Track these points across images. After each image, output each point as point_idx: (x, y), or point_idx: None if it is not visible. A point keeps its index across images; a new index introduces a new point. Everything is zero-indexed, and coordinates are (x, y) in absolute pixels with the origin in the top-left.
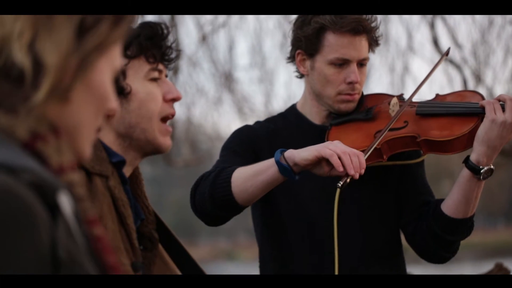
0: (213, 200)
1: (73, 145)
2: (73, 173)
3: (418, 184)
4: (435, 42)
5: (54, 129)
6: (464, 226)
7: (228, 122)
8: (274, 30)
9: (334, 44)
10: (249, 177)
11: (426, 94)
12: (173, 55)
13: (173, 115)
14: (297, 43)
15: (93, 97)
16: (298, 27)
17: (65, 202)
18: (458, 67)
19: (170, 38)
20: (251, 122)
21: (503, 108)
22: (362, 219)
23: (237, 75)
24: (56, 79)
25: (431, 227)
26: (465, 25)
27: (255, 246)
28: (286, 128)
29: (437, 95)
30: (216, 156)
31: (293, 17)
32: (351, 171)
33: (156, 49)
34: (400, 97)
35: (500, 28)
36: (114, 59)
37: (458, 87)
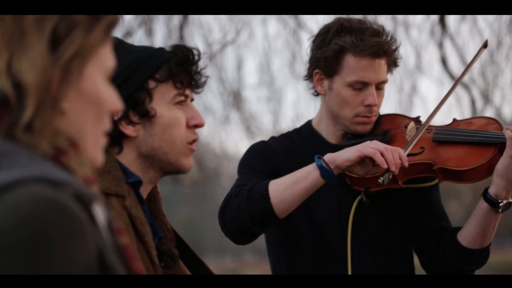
0: (251, 214)
1: (83, 153)
2: (95, 185)
3: (434, 208)
4: (444, 62)
5: (72, 143)
6: (480, 256)
7: (236, 141)
8: (282, 48)
9: (353, 67)
10: (288, 186)
11: (436, 116)
12: (201, 81)
13: (195, 141)
14: (315, 63)
15: (88, 104)
16: (317, 47)
17: (99, 212)
18: (466, 87)
19: (201, 63)
20: (258, 141)
21: None
22: (375, 242)
23: (245, 94)
24: (39, 96)
25: (447, 257)
26: (473, 45)
27: (262, 264)
28: (301, 145)
29: (454, 120)
30: (224, 175)
31: (304, 33)
32: (393, 167)
33: (185, 75)
34: (417, 120)
35: (508, 48)
36: (103, 61)
37: (466, 107)
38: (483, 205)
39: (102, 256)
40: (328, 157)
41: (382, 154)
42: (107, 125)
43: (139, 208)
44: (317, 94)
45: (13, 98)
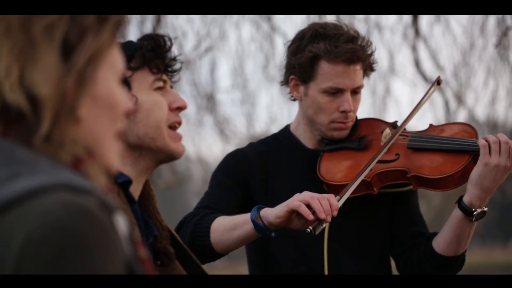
0: (192, 247)
1: (101, 159)
2: (113, 195)
3: (411, 213)
4: (417, 64)
5: (89, 152)
6: (455, 263)
7: (210, 145)
8: (256, 52)
9: (328, 73)
10: (226, 230)
11: (407, 115)
12: (176, 67)
13: (179, 124)
14: (290, 69)
15: (103, 109)
16: (292, 53)
17: (121, 222)
18: (439, 88)
19: (174, 49)
20: (232, 144)
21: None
22: (352, 248)
23: (219, 97)
24: (56, 107)
25: (422, 263)
26: (446, 47)
27: (232, 268)
28: (279, 151)
29: (431, 125)
30: (196, 179)
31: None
32: (322, 215)
33: (159, 60)
34: (394, 126)
35: (481, 50)
36: (114, 62)
37: (439, 108)
38: (457, 213)
39: (131, 266)
40: (263, 212)
41: (309, 205)
42: (120, 127)
43: (128, 210)
44: (294, 99)
45: (29, 112)
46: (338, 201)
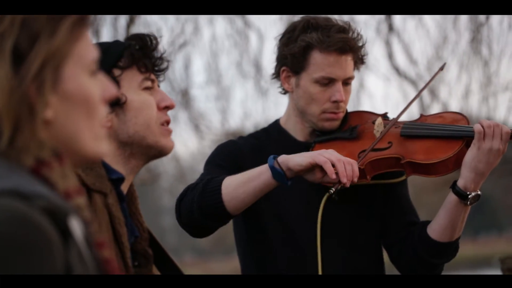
0: (201, 209)
1: (81, 153)
2: (79, 197)
3: (402, 203)
4: (390, 58)
5: (58, 155)
6: (450, 249)
7: (185, 140)
8: (230, 48)
9: (320, 63)
10: (240, 183)
11: (381, 109)
12: (163, 65)
13: (168, 122)
14: (282, 60)
15: (76, 104)
16: (284, 44)
17: (75, 226)
18: (413, 82)
19: (160, 48)
20: (207, 140)
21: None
22: (345, 238)
23: (193, 93)
24: (14, 116)
25: (417, 251)
26: (419, 41)
27: (201, 264)
28: (270, 144)
29: (422, 115)
30: (168, 175)
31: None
32: (344, 179)
33: (147, 60)
34: (385, 116)
35: (454, 44)
36: (81, 57)
37: (414, 103)
38: (452, 197)
39: (71, 272)
40: (282, 158)
41: (334, 165)
42: (103, 114)
43: (119, 208)
44: (284, 92)
45: None
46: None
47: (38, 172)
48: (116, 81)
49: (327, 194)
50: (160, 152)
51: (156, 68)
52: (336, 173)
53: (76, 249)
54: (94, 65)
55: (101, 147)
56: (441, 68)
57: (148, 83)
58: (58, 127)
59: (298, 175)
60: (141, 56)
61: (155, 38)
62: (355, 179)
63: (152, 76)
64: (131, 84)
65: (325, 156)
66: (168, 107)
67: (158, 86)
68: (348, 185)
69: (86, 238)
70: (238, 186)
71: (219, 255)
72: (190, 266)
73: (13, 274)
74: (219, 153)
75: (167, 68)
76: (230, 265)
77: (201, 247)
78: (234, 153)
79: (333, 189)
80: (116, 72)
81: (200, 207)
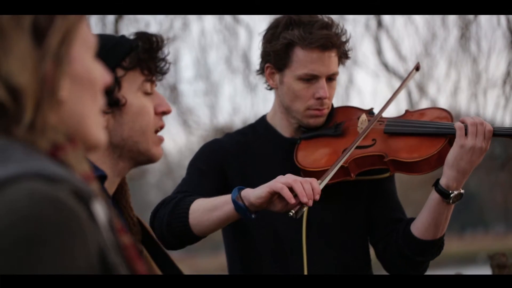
0: (170, 229)
1: (86, 138)
2: (94, 182)
3: (389, 200)
4: (379, 55)
5: (70, 139)
6: (433, 247)
7: (173, 135)
8: (219, 43)
9: (302, 60)
10: (205, 211)
11: (370, 105)
12: (166, 68)
13: (162, 128)
14: (266, 57)
15: (83, 87)
16: (267, 41)
17: (99, 210)
18: (402, 79)
19: (165, 50)
20: (195, 135)
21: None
22: (331, 235)
23: (182, 88)
24: (37, 94)
25: (401, 248)
26: (408, 38)
27: (188, 260)
28: (256, 140)
29: (407, 111)
30: (155, 171)
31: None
32: (304, 199)
33: (151, 62)
34: (370, 112)
35: (443, 40)
36: (86, 38)
37: (402, 99)
38: (434, 196)
39: (104, 255)
40: (244, 193)
41: (291, 188)
42: (102, 101)
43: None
44: (270, 88)
45: (9, 103)
46: (320, 184)
47: (55, 156)
48: (118, 81)
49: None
50: (149, 160)
51: (159, 70)
52: (296, 196)
53: (102, 232)
54: (94, 48)
55: (102, 136)
56: (416, 68)
57: (148, 87)
58: (68, 110)
59: (262, 208)
60: (147, 58)
61: (162, 40)
62: (317, 197)
63: (153, 79)
64: (132, 86)
65: (281, 181)
66: (164, 113)
67: (155, 85)
68: (311, 204)
69: (109, 222)
70: (203, 213)
71: (206, 251)
72: (178, 262)
73: (44, 262)
74: (201, 156)
75: (168, 70)
76: (217, 261)
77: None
78: (217, 154)
79: (293, 211)
80: (119, 72)
81: (168, 227)
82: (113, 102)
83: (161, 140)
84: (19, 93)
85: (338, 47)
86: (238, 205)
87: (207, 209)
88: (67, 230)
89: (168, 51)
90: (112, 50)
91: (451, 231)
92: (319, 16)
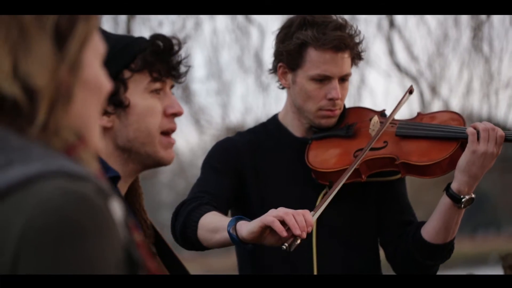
0: (183, 238)
1: (89, 144)
2: (104, 180)
3: (399, 202)
4: (391, 55)
5: (80, 138)
6: (443, 251)
7: (185, 135)
8: (231, 43)
9: (315, 61)
10: (208, 231)
11: (381, 106)
12: (182, 71)
13: (173, 130)
14: (279, 56)
15: (91, 92)
16: (280, 40)
17: (117, 207)
18: (414, 79)
19: (181, 53)
20: (208, 134)
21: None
22: (341, 236)
23: (194, 87)
24: (52, 96)
25: (410, 251)
26: (420, 38)
27: (200, 259)
28: (267, 139)
29: (419, 113)
30: (170, 170)
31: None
32: (297, 231)
33: (162, 65)
34: (382, 114)
35: (455, 41)
36: (96, 45)
37: (414, 99)
38: (445, 200)
39: (129, 252)
40: (238, 226)
41: (284, 221)
42: (101, 110)
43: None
44: (282, 87)
45: (25, 103)
46: (313, 216)
47: (70, 155)
48: (124, 83)
49: (323, 191)
50: (157, 163)
51: (173, 73)
52: (288, 229)
53: (122, 230)
54: (103, 56)
55: (99, 142)
56: (410, 91)
57: (156, 86)
58: (76, 113)
59: (255, 242)
60: (155, 61)
61: (178, 42)
62: (309, 229)
63: (165, 80)
64: (138, 86)
65: (272, 215)
66: (175, 115)
67: (172, 87)
68: (304, 236)
69: (125, 220)
70: (207, 233)
71: (218, 251)
72: (189, 262)
73: (76, 263)
74: (214, 154)
75: (187, 72)
76: (229, 261)
77: None
78: (231, 152)
79: (286, 244)
80: (126, 74)
81: (182, 235)
82: (118, 103)
83: (170, 143)
84: (36, 94)
85: (352, 48)
86: (232, 237)
87: (210, 230)
88: (99, 229)
89: (185, 54)
90: (121, 51)
91: (463, 232)
92: (333, 16)
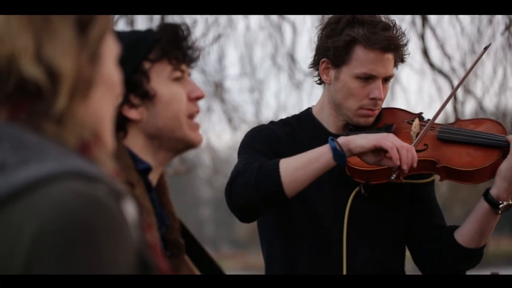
0: (259, 192)
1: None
2: (120, 179)
3: (430, 205)
4: (425, 53)
5: (96, 135)
6: (475, 255)
7: (218, 132)
8: (264, 41)
9: (362, 59)
10: (300, 166)
11: (415, 103)
12: (195, 55)
13: (197, 113)
14: (323, 52)
15: (106, 88)
16: (327, 36)
17: (130, 208)
18: (447, 77)
19: (191, 38)
20: (241, 132)
21: None
22: (371, 235)
23: (227, 85)
24: (73, 82)
25: (443, 254)
26: (454, 36)
27: (238, 256)
28: (301, 132)
29: (458, 119)
30: (204, 166)
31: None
32: (405, 166)
33: (178, 51)
34: (420, 117)
35: (489, 39)
36: (112, 46)
37: (447, 97)
38: (483, 205)
39: (141, 253)
40: (342, 140)
41: (397, 151)
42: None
43: (147, 198)
44: (320, 82)
45: (47, 86)
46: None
47: (84, 153)
48: (146, 74)
49: (357, 189)
50: (187, 145)
51: (188, 58)
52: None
53: (134, 232)
54: (117, 54)
55: (111, 140)
56: (485, 49)
57: (178, 74)
58: (91, 109)
59: (359, 157)
60: (172, 48)
61: (187, 28)
62: (414, 165)
63: (183, 67)
64: (161, 76)
65: (390, 140)
66: (198, 98)
67: (189, 75)
68: (407, 171)
69: (138, 221)
70: (297, 169)
71: (256, 247)
72: (228, 258)
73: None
74: (255, 137)
75: (198, 57)
76: None
77: (238, 239)
78: (270, 137)
79: (394, 175)
80: (146, 65)
81: (258, 190)
82: (143, 94)
83: (197, 125)
84: (58, 77)
85: (398, 50)
86: (338, 153)
87: (301, 164)
88: (112, 232)
89: (196, 37)
90: (137, 44)
91: (502, 230)
92: (380, 16)
